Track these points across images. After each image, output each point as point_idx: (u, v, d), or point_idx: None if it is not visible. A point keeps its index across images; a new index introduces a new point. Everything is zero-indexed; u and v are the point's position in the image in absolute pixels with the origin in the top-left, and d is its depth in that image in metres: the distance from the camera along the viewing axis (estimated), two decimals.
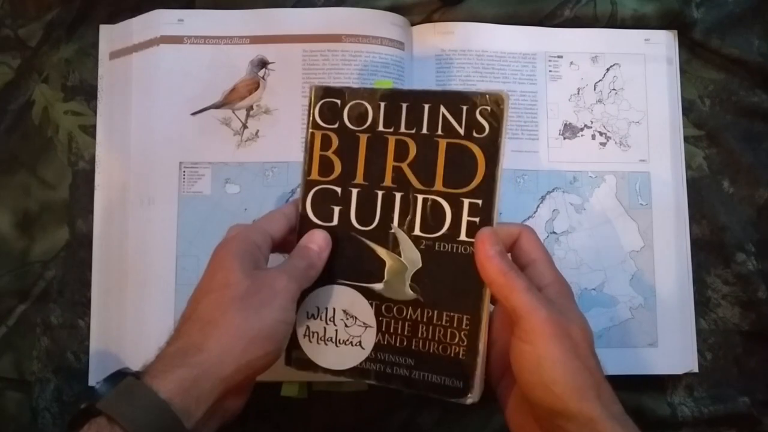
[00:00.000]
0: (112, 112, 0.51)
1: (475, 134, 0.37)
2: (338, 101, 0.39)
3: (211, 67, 0.50)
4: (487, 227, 0.36)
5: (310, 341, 0.39)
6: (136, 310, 0.47)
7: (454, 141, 0.37)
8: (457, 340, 0.37)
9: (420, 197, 0.38)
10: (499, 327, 0.38)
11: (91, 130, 0.51)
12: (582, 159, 0.51)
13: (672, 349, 0.49)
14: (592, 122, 0.52)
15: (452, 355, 0.37)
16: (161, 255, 0.48)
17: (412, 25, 0.52)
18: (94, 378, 0.48)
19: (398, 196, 0.38)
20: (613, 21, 0.52)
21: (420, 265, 0.38)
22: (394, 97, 0.39)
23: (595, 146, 0.51)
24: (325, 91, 0.40)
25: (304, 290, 0.38)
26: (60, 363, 0.49)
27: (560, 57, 0.52)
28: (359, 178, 0.39)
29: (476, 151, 0.37)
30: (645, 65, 0.52)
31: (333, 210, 0.39)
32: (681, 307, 0.50)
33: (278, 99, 0.50)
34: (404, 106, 0.38)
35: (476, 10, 0.52)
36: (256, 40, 0.50)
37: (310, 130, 0.40)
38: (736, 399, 0.50)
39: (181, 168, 0.49)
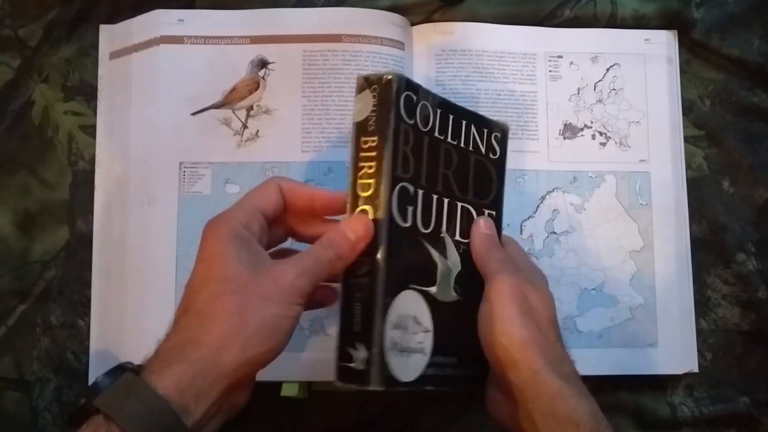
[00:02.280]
0: (112, 112, 0.51)
1: (491, 155, 0.43)
2: (414, 97, 0.38)
3: (211, 67, 0.50)
4: (483, 216, 0.42)
5: (390, 355, 0.35)
6: (136, 310, 0.47)
7: (478, 158, 0.42)
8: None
9: (459, 204, 0.41)
10: None
11: (91, 130, 0.51)
12: (582, 159, 0.51)
13: (672, 349, 0.49)
14: (592, 122, 0.52)
15: (477, 345, 0.38)
16: (161, 255, 0.48)
17: (412, 25, 0.52)
18: (94, 378, 0.48)
19: (446, 201, 0.40)
20: (613, 21, 0.52)
21: (460, 268, 0.40)
22: (445, 107, 0.40)
23: (595, 146, 0.51)
24: (407, 84, 0.38)
25: (386, 300, 0.35)
26: (60, 363, 0.49)
27: (560, 57, 0.52)
28: (423, 180, 0.39)
29: (491, 169, 0.43)
30: (645, 65, 0.52)
31: (408, 210, 0.38)
32: (681, 307, 0.50)
33: (278, 99, 0.50)
34: (451, 118, 0.40)
35: (476, 10, 0.52)
36: (256, 40, 0.50)
37: (399, 124, 0.37)
38: (736, 399, 0.50)
39: (181, 168, 0.49)
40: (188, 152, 0.49)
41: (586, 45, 0.52)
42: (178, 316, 0.34)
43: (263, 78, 0.50)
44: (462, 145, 0.41)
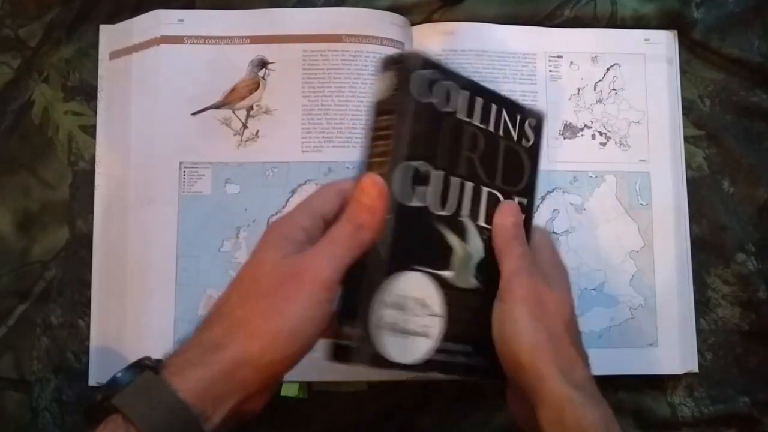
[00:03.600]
0: (112, 112, 0.51)
1: (523, 142, 0.41)
2: (432, 76, 0.37)
3: (211, 67, 0.50)
4: (509, 200, 0.40)
5: (381, 333, 0.35)
6: (136, 310, 0.47)
7: (509, 144, 0.41)
8: None
9: (485, 190, 0.39)
10: None
11: (91, 130, 0.51)
12: (582, 159, 0.51)
13: (672, 349, 0.49)
14: (592, 122, 0.52)
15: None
16: (161, 255, 0.48)
17: (412, 25, 0.52)
18: (94, 378, 0.48)
19: (469, 186, 0.39)
20: (613, 21, 0.52)
21: (483, 255, 0.39)
22: (474, 90, 0.39)
23: (595, 146, 0.51)
24: (424, 62, 0.37)
25: (378, 277, 0.34)
26: (60, 363, 0.49)
27: (560, 57, 0.52)
28: (440, 161, 0.37)
29: (524, 156, 0.41)
30: (645, 65, 0.52)
31: (418, 190, 0.36)
32: (681, 307, 0.50)
33: (278, 99, 0.50)
34: (480, 101, 0.39)
35: (476, 10, 0.52)
36: (256, 40, 0.50)
37: (405, 99, 0.36)
38: (736, 399, 0.50)
39: (181, 168, 0.49)
40: (188, 152, 0.49)
41: (586, 45, 0.52)
42: (208, 315, 0.34)
43: (263, 78, 0.50)
44: (491, 129, 0.40)
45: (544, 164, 0.50)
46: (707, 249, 0.51)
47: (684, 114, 0.53)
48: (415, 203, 0.36)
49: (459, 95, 0.38)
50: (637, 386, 0.50)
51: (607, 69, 0.52)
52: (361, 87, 0.49)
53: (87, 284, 0.49)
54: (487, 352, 0.37)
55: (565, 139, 0.51)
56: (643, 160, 0.51)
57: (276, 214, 0.48)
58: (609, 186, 0.51)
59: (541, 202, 0.50)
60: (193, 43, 0.50)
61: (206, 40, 0.50)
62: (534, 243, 0.40)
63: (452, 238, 0.38)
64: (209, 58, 0.50)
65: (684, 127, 0.52)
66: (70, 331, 0.49)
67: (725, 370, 0.51)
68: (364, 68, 0.49)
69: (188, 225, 0.48)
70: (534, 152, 0.42)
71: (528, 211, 0.41)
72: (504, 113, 0.40)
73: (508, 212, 0.39)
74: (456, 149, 0.38)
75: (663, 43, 0.53)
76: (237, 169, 0.49)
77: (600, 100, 0.52)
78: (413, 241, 0.36)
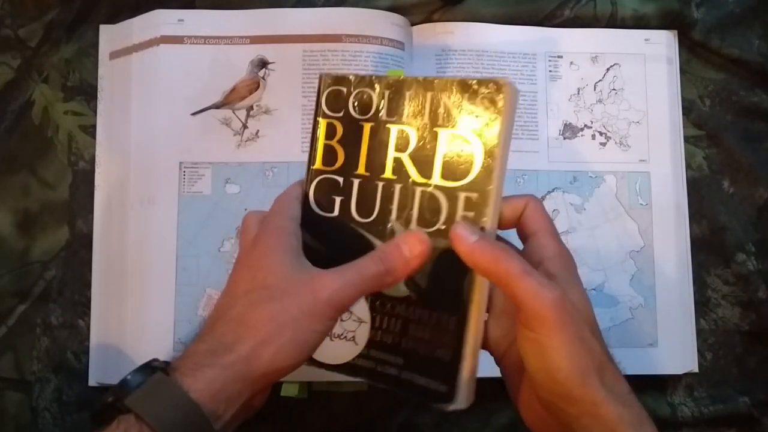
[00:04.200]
0: (112, 112, 0.51)
1: (474, 124, 0.35)
2: (344, 89, 0.39)
3: (211, 67, 0.50)
4: (457, 222, 0.34)
5: None
6: (136, 310, 0.47)
7: (453, 131, 0.36)
8: (444, 341, 0.35)
9: (418, 190, 0.36)
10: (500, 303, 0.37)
11: (91, 130, 0.51)
12: (582, 159, 0.51)
13: (672, 349, 0.49)
14: (592, 122, 0.52)
15: (440, 357, 0.35)
16: (161, 255, 0.48)
17: (412, 25, 0.52)
18: (95, 378, 0.48)
19: (398, 188, 0.37)
20: (613, 21, 0.53)
21: None
22: (398, 86, 0.37)
23: (595, 146, 0.51)
24: (333, 80, 0.39)
25: None
26: (60, 363, 0.49)
27: (560, 57, 0.52)
28: (361, 169, 0.38)
29: (474, 141, 0.35)
30: (645, 65, 0.52)
31: (335, 200, 0.38)
32: (681, 307, 0.50)
33: (278, 99, 0.50)
34: (407, 94, 0.37)
35: (476, 10, 0.52)
36: (256, 40, 0.50)
37: (317, 118, 0.39)
38: (736, 399, 0.50)
39: (181, 168, 0.49)
40: (188, 152, 0.49)
41: (586, 45, 0.52)
42: (213, 319, 0.34)
43: (263, 78, 0.50)
44: (426, 121, 0.36)
45: (544, 165, 0.50)
46: (707, 249, 0.51)
47: (684, 114, 0.53)
48: (336, 213, 0.38)
49: (379, 98, 0.38)
50: (637, 386, 0.49)
51: (607, 69, 0.52)
52: None
53: (87, 284, 0.49)
54: (429, 373, 0.35)
55: (565, 139, 0.51)
56: (643, 160, 0.51)
57: None
58: (609, 186, 0.51)
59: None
60: (193, 43, 0.50)
61: (206, 40, 0.50)
62: (530, 229, 0.37)
63: (378, 244, 0.37)
64: (209, 58, 0.50)
65: (684, 127, 0.52)
66: (70, 331, 0.49)
67: (725, 370, 0.51)
68: (364, 68, 0.49)
69: (188, 225, 0.48)
70: (488, 133, 0.35)
71: (479, 206, 0.35)
72: (443, 98, 0.36)
73: (462, 233, 0.33)
74: (380, 153, 0.37)
75: (663, 43, 0.53)
76: (237, 169, 0.49)
77: (600, 100, 0.52)
78: (337, 249, 0.37)
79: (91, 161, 0.51)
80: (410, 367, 0.36)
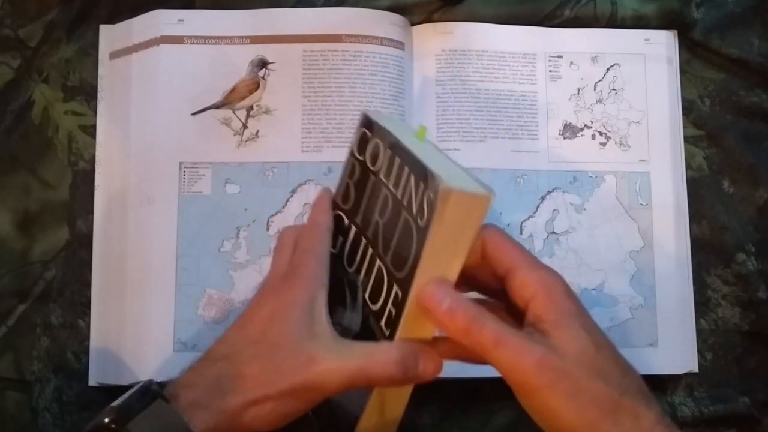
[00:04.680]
0: (112, 112, 0.51)
1: (419, 220, 0.31)
2: (369, 133, 0.38)
3: (211, 67, 0.50)
4: (431, 283, 0.31)
5: None
6: (136, 310, 0.47)
7: (408, 217, 0.32)
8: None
9: (377, 263, 0.35)
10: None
11: (91, 130, 0.51)
12: (582, 159, 0.51)
13: (672, 349, 0.49)
14: (592, 122, 0.52)
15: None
16: (161, 255, 0.48)
17: (412, 25, 0.52)
18: (94, 378, 0.48)
19: (370, 252, 0.35)
20: (613, 21, 0.53)
21: (358, 330, 0.36)
22: (395, 150, 0.34)
23: (595, 146, 0.51)
24: (366, 120, 0.38)
25: None
26: (60, 363, 0.49)
27: (560, 57, 0.52)
28: (359, 218, 0.37)
29: (413, 237, 0.32)
30: (645, 65, 0.52)
31: (338, 238, 0.38)
32: (681, 307, 0.50)
33: (278, 99, 0.50)
34: (397, 162, 0.34)
35: (476, 10, 0.52)
36: (256, 40, 0.50)
37: (349, 154, 0.39)
38: (736, 399, 0.50)
39: (181, 168, 0.49)
40: (188, 152, 0.49)
41: (586, 45, 0.52)
42: (216, 350, 0.35)
43: (263, 78, 0.50)
44: (399, 196, 0.33)
45: (544, 165, 0.50)
46: (707, 249, 0.51)
47: (684, 114, 0.53)
48: (336, 250, 0.38)
49: (384, 154, 0.35)
50: None
51: (607, 69, 0.52)
52: (361, 87, 0.49)
53: (87, 284, 0.49)
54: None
55: (565, 139, 0.51)
56: (643, 160, 0.51)
57: (276, 214, 0.48)
58: (609, 186, 0.51)
59: (541, 202, 0.50)
60: (193, 43, 0.50)
61: (206, 40, 0.50)
62: (502, 268, 0.33)
63: (348, 300, 0.36)
64: (209, 58, 0.50)
65: (684, 127, 0.52)
66: (70, 331, 0.49)
67: (725, 370, 0.51)
68: (364, 68, 0.49)
69: (188, 225, 0.48)
70: (422, 236, 0.31)
71: (398, 308, 0.32)
72: (412, 180, 0.32)
73: (435, 294, 0.31)
74: (371, 211, 0.36)
75: (663, 43, 0.53)
76: (237, 169, 0.49)
77: (600, 100, 0.52)
78: (330, 285, 0.36)
79: (91, 161, 0.51)
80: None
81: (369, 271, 0.35)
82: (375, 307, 0.34)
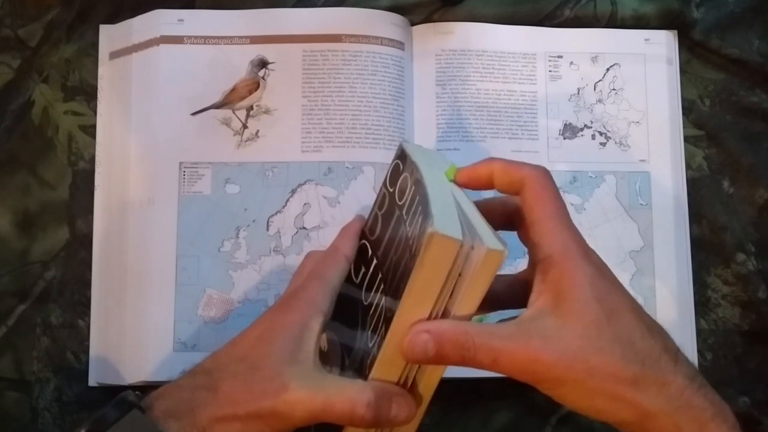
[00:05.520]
0: (112, 112, 0.51)
1: (413, 262, 0.30)
2: (402, 166, 0.37)
3: (211, 67, 0.50)
4: (408, 334, 0.30)
5: None
6: (136, 310, 0.47)
7: (408, 260, 0.31)
8: None
9: (382, 301, 0.33)
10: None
11: (91, 130, 0.51)
12: (582, 159, 0.51)
13: None
14: (592, 122, 0.52)
15: None
16: (161, 255, 0.48)
17: (412, 25, 0.52)
18: (94, 378, 0.48)
19: (382, 287, 0.34)
20: (613, 21, 0.53)
21: (356, 367, 0.35)
22: (418, 187, 0.33)
23: (595, 146, 0.51)
24: (400, 151, 0.37)
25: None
26: (60, 363, 0.49)
27: (560, 57, 0.52)
28: (380, 252, 0.35)
29: (405, 283, 0.30)
30: (645, 65, 0.52)
31: (361, 269, 0.37)
32: (681, 307, 0.50)
33: (278, 99, 0.50)
34: (417, 200, 0.32)
35: (476, 10, 0.52)
36: (256, 40, 0.50)
37: (382, 185, 0.38)
38: (736, 399, 0.50)
39: (181, 168, 0.49)
40: (188, 152, 0.49)
41: (586, 45, 0.52)
42: (202, 365, 0.35)
43: (263, 78, 0.50)
44: (409, 235, 0.32)
45: (544, 164, 0.50)
46: (707, 249, 0.51)
47: (684, 114, 0.53)
48: (357, 281, 0.37)
49: (409, 190, 0.34)
50: None
51: (607, 69, 0.52)
52: (360, 87, 0.49)
53: (87, 284, 0.49)
54: None
55: (565, 139, 0.51)
56: (643, 160, 0.51)
57: (276, 214, 0.48)
58: (609, 186, 0.51)
59: None
60: (193, 43, 0.50)
61: (206, 40, 0.50)
62: (530, 217, 0.32)
63: (358, 331, 0.35)
64: (209, 58, 0.50)
65: (684, 127, 0.52)
66: (70, 331, 0.49)
67: (725, 370, 0.51)
68: (364, 68, 0.49)
69: (188, 225, 0.48)
70: (399, 287, 0.31)
71: (379, 346, 0.32)
72: (419, 220, 0.31)
73: (411, 349, 0.30)
74: (390, 245, 0.34)
75: (663, 43, 0.53)
76: (237, 169, 0.49)
77: (600, 100, 0.52)
78: (339, 313, 0.36)
79: (91, 161, 0.51)
80: None
81: (376, 308, 0.34)
82: (370, 345, 0.33)
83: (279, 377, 0.32)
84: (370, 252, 0.37)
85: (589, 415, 0.31)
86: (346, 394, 0.32)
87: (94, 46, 0.52)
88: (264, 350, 0.33)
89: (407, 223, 0.32)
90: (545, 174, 0.34)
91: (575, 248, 0.31)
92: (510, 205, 0.35)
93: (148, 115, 0.49)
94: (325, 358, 0.36)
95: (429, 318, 0.31)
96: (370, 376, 0.32)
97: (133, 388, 0.36)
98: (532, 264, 0.33)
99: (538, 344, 0.30)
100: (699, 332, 0.50)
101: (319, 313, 0.34)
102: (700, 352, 0.50)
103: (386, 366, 0.32)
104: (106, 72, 0.51)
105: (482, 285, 0.30)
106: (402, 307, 0.30)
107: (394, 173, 0.37)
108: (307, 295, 0.35)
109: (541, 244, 0.32)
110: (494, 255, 0.29)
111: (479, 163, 0.35)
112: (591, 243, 0.49)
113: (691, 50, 0.54)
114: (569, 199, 0.50)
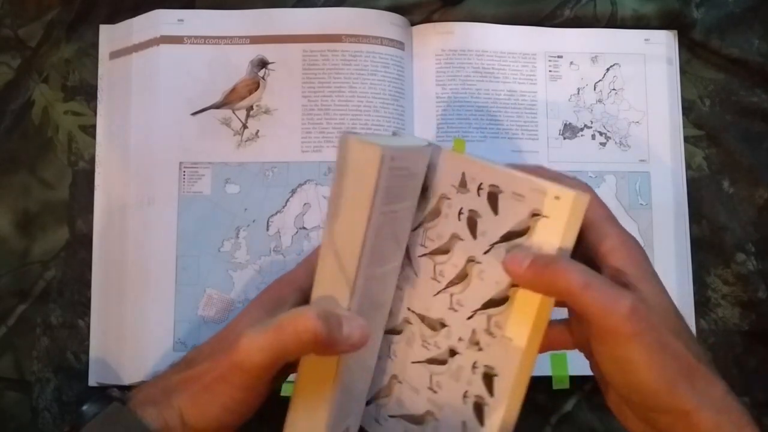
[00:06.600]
0: (112, 112, 0.51)
1: None
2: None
3: (211, 67, 0.50)
4: (509, 254, 0.31)
5: None
6: (136, 310, 0.47)
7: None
8: None
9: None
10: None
11: (91, 130, 0.51)
12: (582, 159, 0.51)
13: None
14: (592, 122, 0.52)
15: None
16: (161, 255, 0.48)
17: (412, 25, 0.52)
18: (94, 378, 0.48)
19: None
20: (613, 21, 0.53)
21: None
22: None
23: (595, 146, 0.51)
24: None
25: None
26: (60, 363, 0.49)
27: (560, 57, 0.52)
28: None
29: None
30: (645, 65, 0.52)
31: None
32: (681, 307, 0.49)
33: (278, 99, 0.50)
34: None
35: (476, 10, 0.52)
36: (256, 40, 0.50)
37: None
38: None
39: (181, 168, 0.49)
40: (188, 152, 0.49)
41: (586, 45, 0.52)
42: (188, 357, 0.36)
43: (263, 78, 0.50)
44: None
45: (544, 164, 0.50)
46: (707, 249, 0.51)
47: (684, 114, 0.53)
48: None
49: None
50: None
51: (607, 69, 0.52)
52: (360, 87, 0.49)
53: (87, 284, 0.49)
54: None
55: (565, 139, 0.51)
56: (643, 160, 0.51)
57: (276, 214, 0.48)
58: (609, 186, 0.51)
59: None
60: (193, 43, 0.50)
61: (206, 40, 0.50)
62: (586, 218, 0.32)
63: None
64: (209, 58, 0.50)
65: (684, 127, 0.52)
66: (70, 331, 0.49)
67: (725, 370, 0.51)
68: (364, 68, 0.49)
69: (188, 225, 0.48)
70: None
71: None
72: None
73: (512, 267, 0.31)
74: None
75: (663, 43, 0.53)
76: (237, 169, 0.49)
77: (600, 100, 0.52)
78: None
79: (91, 161, 0.51)
80: None
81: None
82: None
83: (238, 336, 0.31)
84: None
85: (623, 390, 0.31)
86: (293, 315, 0.30)
87: (94, 46, 0.52)
88: (235, 325, 0.35)
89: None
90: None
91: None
92: None
93: (148, 115, 0.49)
94: None
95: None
96: (312, 298, 0.32)
97: (133, 388, 0.36)
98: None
99: (634, 298, 0.29)
100: (699, 332, 0.50)
101: (296, 290, 0.35)
102: None
103: (324, 282, 0.31)
104: (106, 72, 0.51)
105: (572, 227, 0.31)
106: (329, 218, 0.30)
107: None
108: (289, 275, 0.36)
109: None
110: (579, 198, 0.30)
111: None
112: None
113: (691, 50, 0.54)
114: None
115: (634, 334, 0.29)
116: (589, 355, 0.34)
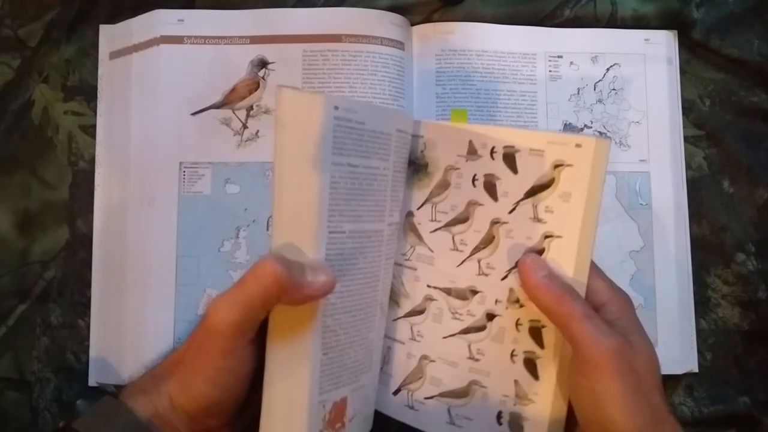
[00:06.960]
0: (112, 112, 0.51)
1: None
2: None
3: (211, 67, 0.50)
4: (528, 254, 0.34)
5: None
6: (136, 310, 0.47)
7: None
8: None
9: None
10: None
11: (91, 130, 0.51)
12: None
13: (672, 349, 0.49)
14: (592, 122, 0.52)
15: None
16: (161, 255, 0.48)
17: (412, 25, 0.52)
18: (94, 378, 0.48)
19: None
20: (613, 21, 0.53)
21: None
22: None
23: None
24: None
25: None
26: (60, 363, 0.49)
27: (560, 57, 0.52)
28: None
29: None
30: (645, 65, 0.52)
31: None
32: (681, 307, 0.50)
33: None
34: None
35: (476, 10, 0.52)
36: (256, 40, 0.50)
37: None
38: (736, 399, 0.50)
39: (181, 168, 0.49)
40: (188, 152, 0.49)
41: (586, 45, 0.52)
42: (178, 350, 0.36)
43: (263, 78, 0.50)
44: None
45: None
46: (707, 249, 0.51)
47: (684, 114, 0.53)
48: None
49: None
50: None
51: (607, 69, 0.52)
52: (360, 87, 0.49)
53: (87, 284, 0.49)
54: None
55: None
56: (643, 160, 0.51)
57: None
58: (609, 186, 0.51)
59: None
60: (193, 43, 0.50)
61: (206, 40, 0.50)
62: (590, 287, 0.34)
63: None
64: (209, 58, 0.50)
65: (684, 127, 0.52)
66: (70, 331, 0.49)
67: (725, 370, 0.51)
68: (364, 68, 0.49)
69: (188, 225, 0.48)
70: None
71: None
72: None
73: (532, 268, 0.33)
74: None
75: (663, 43, 0.53)
76: (237, 169, 0.49)
77: (600, 100, 0.52)
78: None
79: (91, 161, 0.51)
80: None
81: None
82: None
83: (204, 317, 0.32)
84: None
85: (593, 427, 0.32)
86: (253, 266, 0.30)
87: (94, 46, 0.52)
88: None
89: None
90: None
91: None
92: None
93: (148, 115, 0.49)
94: None
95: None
96: (271, 246, 0.32)
97: None
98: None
99: (623, 340, 0.31)
100: (699, 332, 0.50)
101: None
102: (700, 352, 0.50)
103: (282, 233, 0.31)
104: (106, 72, 0.51)
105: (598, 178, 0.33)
106: (276, 174, 0.30)
107: None
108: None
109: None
110: (601, 144, 0.32)
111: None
112: None
113: (691, 50, 0.54)
114: None
115: (617, 371, 0.30)
116: (570, 391, 0.35)
